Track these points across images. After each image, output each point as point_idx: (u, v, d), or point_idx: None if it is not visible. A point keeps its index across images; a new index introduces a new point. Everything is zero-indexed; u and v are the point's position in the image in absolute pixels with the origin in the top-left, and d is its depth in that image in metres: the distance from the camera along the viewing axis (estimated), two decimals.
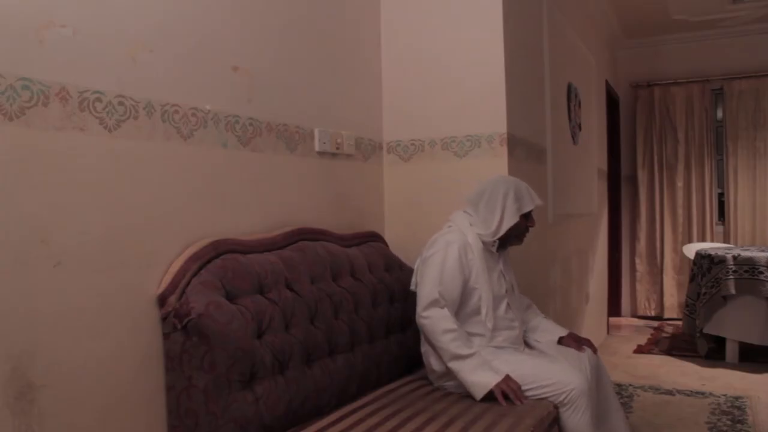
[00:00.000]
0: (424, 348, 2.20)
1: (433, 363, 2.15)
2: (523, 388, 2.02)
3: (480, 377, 2.00)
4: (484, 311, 2.17)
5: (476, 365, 2.01)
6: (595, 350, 2.34)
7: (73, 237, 1.48)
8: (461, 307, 2.16)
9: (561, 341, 2.34)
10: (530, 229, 2.31)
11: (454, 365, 2.03)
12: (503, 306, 2.24)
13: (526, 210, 2.23)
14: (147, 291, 1.68)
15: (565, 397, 2.00)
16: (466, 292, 2.16)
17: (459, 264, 2.13)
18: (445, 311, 2.07)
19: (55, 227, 1.44)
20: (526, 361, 2.12)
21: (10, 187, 1.36)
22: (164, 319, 1.69)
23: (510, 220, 2.21)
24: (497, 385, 1.97)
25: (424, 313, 2.08)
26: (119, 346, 1.59)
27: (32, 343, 1.39)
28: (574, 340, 2.34)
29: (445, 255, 2.14)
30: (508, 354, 2.15)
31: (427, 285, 2.11)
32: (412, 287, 2.26)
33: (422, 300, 2.10)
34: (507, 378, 1.99)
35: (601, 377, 2.31)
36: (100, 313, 1.55)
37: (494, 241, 2.23)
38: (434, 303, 2.07)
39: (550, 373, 2.05)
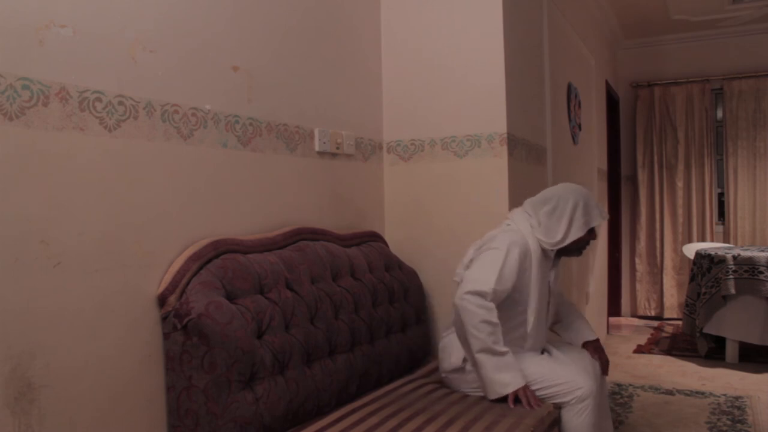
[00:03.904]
0: (446, 339, 2.16)
1: (453, 354, 2.10)
2: (527, 381, 2.01)
3: (504, 377, 1.96)
4: (531, 319, 2.13)
5: (505, 364, 1.97)
6: (606, 371, 2.30)
7: (73, 237, 1.48)
8: (500, 308, 2.08)
9: (584, 345, 2.33)
10: (591, 242, 2.26)
11: (481, 357, 1.97)
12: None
13: (593, 224, 2.18)
14: (147, 291, 1.68)
15: (573, 398, 1.99)
16: (510, 296, 2.11)
17: (517, 268, 2.07)
18: (492, 305, 2.00)
19: (54, 227, 1.44)
20: (535, 360, 2.11)
21: (9, 187, 1.36)
22: (164, 319, 1.69)
23: (576, 234, 2.15)
24: (515, 390, 1.95)
25: (470, 298, 1.99)
26: (119, 346, 1.59)
27: (32, 343, 1.39)
28: (594, 349, 2.31)
29: (507, 255, 2.06)
30: (517, 355, 2.12)
31: (482, 274, 2.03)
32: (456, 278, 2.18)
33: (471, 284, 2.01)
34: (526, 386, 1.97)
35: (602, 390, 2.30)
36: (100, 313, 1.55)
37: (553, 251, 2.19)
38: (483, 294, 1.99)
39: (558, 373, 2.04)
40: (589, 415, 2.01)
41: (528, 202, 2.24)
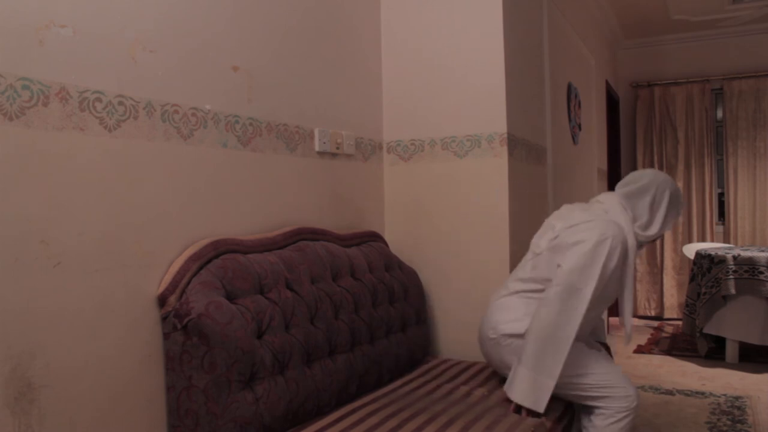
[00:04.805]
0: (513, 300, 2.07)
1: (523, 320, 2.01)
2: (580, 371, 1.96)
3: (533, 394, 1.87)
4: (629, 319, 2.08)
5: (544, 387, 1.87)
6: None
7: (73, 237, 1.48)
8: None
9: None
10: None
11: (532, 360, 1.88)
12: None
13: (679, 216, 2.12)
14: (147, 291, 1.68)
15: (620, 406, 1.95)
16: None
17: (614, 269, 1.98)
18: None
19: (54, 227, 1.44)
20: (594, 355, 2.03)
21: (9, 187, 1.35)
22: (164, 319, 1.69)
23: (668, 226, 2.08)
24: (525, 408, 1.89)
25: (568, 305, 1.90)
26: (119, 346, 1.59)
27: (32, 343, 1.39)
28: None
29: (609, 255, 1.94)
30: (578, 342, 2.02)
31: (587, 279, 1.91)
32: (536, 250, 2.09)
33: (573, 287, 1.90)
34: (536, 413, 1.90)
35: None
36: (100, 313, 1.55)
37: (642, 244, 2.11)
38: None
39: (615, 376, 1.99)
40: (627, 427, 1.96)
41: (622, 194, 2.12)
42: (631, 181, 2.15)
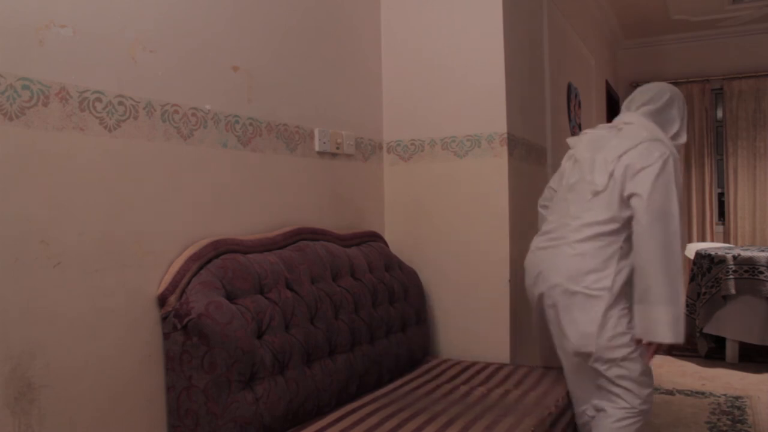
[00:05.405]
0: (588, 246, 2.00)
1: (604, 268, 1.95)
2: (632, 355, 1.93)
3: (674, 326, 1.83)
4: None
5: (679, 314, 1.82)
6: None
7: (73, 237, 1.48)
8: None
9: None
10: None
11: (665, 295, 1.83)
12: None
13: None
14: (147, 291, 1.68)
15: (641, 409, 1.95)
16: None
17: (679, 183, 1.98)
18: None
19: (54, 227, 1.44)
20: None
21: (9, 187, 1.36)
22: (164, 319, 1.69)
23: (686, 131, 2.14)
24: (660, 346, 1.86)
25: (665, 230, 1.88)
26: (119, 346, 1.59)
27: (32, 343, 1.39)
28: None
29: (675, 173, 1.94)
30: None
31: (669, 200, 1.90)
32: (596, 188, 2.02)
33: (662, 211, 1.88)
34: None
35: None
36: (100, 313, 1.55)
37: None
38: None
39: (650, 377, 1.97)
40: (636, 427, 1.96)
41: (648, 111, 2.12)
42: (652, 98, 2.14)
